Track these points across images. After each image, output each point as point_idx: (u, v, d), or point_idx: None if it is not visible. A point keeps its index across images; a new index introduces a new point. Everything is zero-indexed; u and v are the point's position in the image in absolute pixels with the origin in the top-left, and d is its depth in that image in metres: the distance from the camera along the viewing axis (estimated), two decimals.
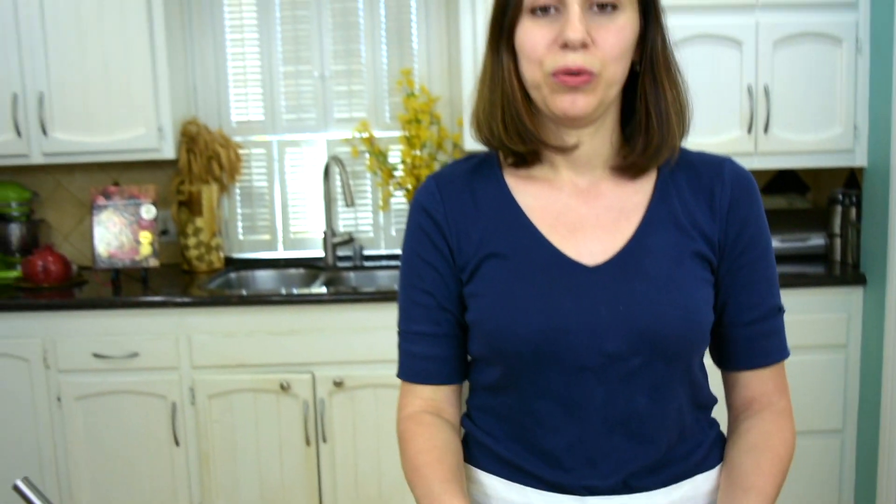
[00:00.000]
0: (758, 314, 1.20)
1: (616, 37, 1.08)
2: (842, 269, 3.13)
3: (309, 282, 3.40)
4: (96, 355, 2.92)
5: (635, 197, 1.18)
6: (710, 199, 1.18)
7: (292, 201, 3.58)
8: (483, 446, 1.24)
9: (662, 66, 1.15)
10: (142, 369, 2.93)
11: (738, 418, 1.24)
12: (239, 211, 3.59)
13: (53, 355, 2.92)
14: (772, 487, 1.12)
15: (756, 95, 2.99)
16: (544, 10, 1.08)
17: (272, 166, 3.56)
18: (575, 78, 1.07)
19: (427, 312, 1.22)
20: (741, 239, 1.18)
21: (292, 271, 3.48)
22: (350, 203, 3.27)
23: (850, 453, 3.07)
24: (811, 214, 3.39)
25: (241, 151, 3.50)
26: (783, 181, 3.57)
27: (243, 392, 2.93)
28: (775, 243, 3.25)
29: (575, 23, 1.05)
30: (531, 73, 1.11)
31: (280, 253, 3.60)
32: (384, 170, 3.41)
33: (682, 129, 1.18)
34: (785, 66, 2.99)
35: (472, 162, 1.25)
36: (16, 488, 1.03)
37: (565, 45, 1.06)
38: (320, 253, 3.55)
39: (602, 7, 1.08)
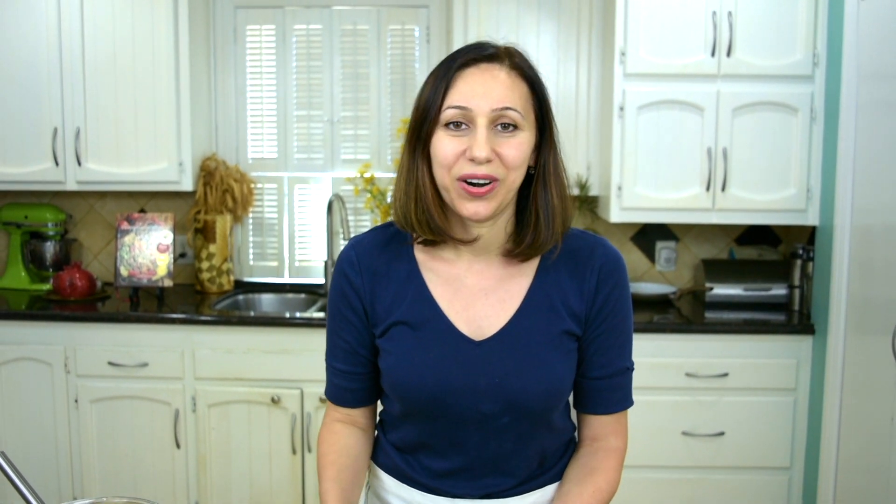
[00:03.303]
0: (605, 372, 1.45)
1: (516, 150, 1.30)
2: (798, 318, 3.37)
3: (308, 306, 3.73)
4: (111, 363, 3.27)
5: (520, 280, 1.42)
6: (581, 282, 1.42)
7: (299, 232, 3.94)
8: (385, 452, 1.54)
9: (552, 175, 1.38)
10: (150, 378, 3.28)
11: (580, 448, 1.51)
12: (251, 239, 3.95)
13: (73, 361, 3.29)
14: None
15: (715, 157, 3.26)
16: (457, 125, 1.31)
17: (282, 200, 3.92)
18: (479, 189, 1.29)
19: (345, 354, 1.48)
20: (601, 313, 1.42)
21: (293, 296, 3.83)
22: (347, 237, 3.61)
23: (798, 489, 3.29)
24: (776, 266, 3.63)
25: (254, 186, 3.87)
26: (757, 233, 3.83)
27: (239, 403, 3.26)
28: (740, 292, 3.54)
29: (481, 143, 1.28)
30: (441, 176, 1.33)
31: (286, 278, 3.96)
32: (382, 208, 3.75)
33: (565, 225, 1.41)
34: (743, 131, 3.27)
35: (389, 232, 1.47)
36: None
37: (473, 159, 1.29)
38: (322, 280, 3.89)
39: (505, 126, 1.31)
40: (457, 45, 3.44)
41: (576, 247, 1.44)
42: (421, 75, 3.83)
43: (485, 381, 1.37)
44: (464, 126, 1.31)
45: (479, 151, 1.28)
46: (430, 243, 1.43)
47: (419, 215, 1.37)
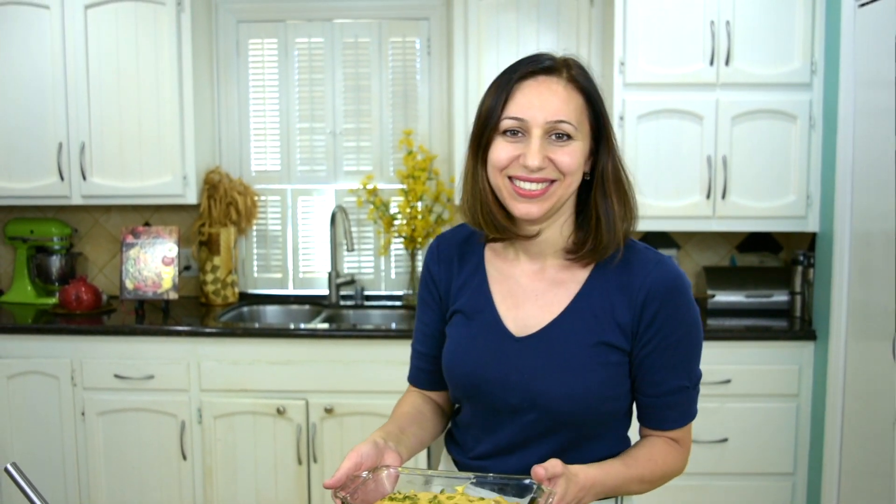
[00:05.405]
0: (660, 391, 1.45)
1: (569, 157, 1.38)
2: (799, 324, 3.39)
3: (313, 317, 3.76)
4: (117, 376, 3.29)
5: (570, 286, 1.47)
6: (630, 296, 1.43)
7: (303, 244, 3.97)
8: (447, 433, 1.67)
9: (612, 182, 1.43)
10: (156, 390, 3.30)
11: None
12: (255, 251, 3.98)
13: (80, 374, 3.31)
14: (634, 467, 1.43)
15: (715, 165, 3.29)
16: (513, 133, 1.39)
17: (286, 212, 3.95)
18: (532, 191, 1.38)
19: (424, 337, 1.64)
20: (650, 330, 1.42)
21: (298, 307, 3.85)
22: (350, 248, 3.64)
23: (801, 495, 3.30)
24: (777, 273, 3.65)
25: (258, 198, 3.90)
26: (758, 240, 3.84)
27: (244, 414, 3.28)
28: (741, 298, 3.55)
29: (535, 152, 1.36)
30: (494, 177, 1.42)
31: (290, 290, 3.98)
32: (385, 219, 3.77)
33: (627, 231, 1.46)
34: (743, 139, 3.29)
35: (468, 230, 1.59)
36: (6, 471, 1.21)
37: (525, 166, 1.37)
38: (326, 291, 3.91)
39: (559, 136, 1.38)
40: (457, 56, 3.48)
41: (634, 260, 1.46)
42: (422, 87, 3.86)
43: (515, 375, 1.45)
44: (520, 134, 1.39)
45: (532, 161, 1.36)
46: (498, 241, 1.53)
47: (484, 216, 1.46)
